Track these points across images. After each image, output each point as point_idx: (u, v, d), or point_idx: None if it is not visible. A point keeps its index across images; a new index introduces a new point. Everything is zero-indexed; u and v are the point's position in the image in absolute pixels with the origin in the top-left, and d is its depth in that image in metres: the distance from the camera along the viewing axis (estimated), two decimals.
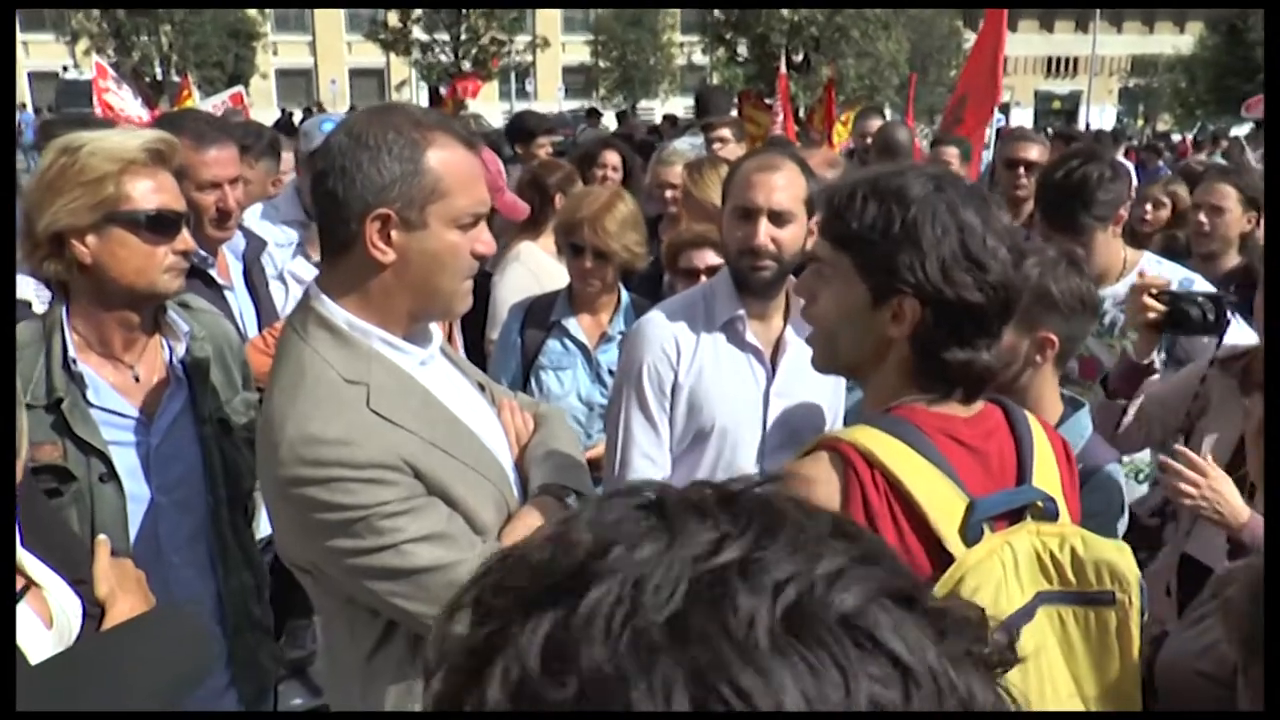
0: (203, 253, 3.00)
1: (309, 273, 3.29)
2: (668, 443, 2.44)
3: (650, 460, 2.42)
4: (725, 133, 5.80)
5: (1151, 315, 2.42)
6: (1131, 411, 2.64)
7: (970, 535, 1.44)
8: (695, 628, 0.48)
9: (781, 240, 2.37)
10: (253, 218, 3.70)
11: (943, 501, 1.45)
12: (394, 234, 1.61)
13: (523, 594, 0.52)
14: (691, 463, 2.44)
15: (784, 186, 2.37)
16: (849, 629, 0.49)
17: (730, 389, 2.41)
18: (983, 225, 1.49)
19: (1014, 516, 1.52)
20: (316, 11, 51.84)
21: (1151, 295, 2.45)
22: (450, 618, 0.56)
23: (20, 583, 1.43)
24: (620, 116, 15.91)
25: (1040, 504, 1.52)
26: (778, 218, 2.37)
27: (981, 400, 1.62)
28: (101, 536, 1.73)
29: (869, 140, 6.15)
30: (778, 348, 2.45)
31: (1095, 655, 1.47)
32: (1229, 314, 2.41)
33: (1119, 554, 1.47)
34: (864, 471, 1.47)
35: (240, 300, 3.18)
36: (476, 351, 3.98)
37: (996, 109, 6.76)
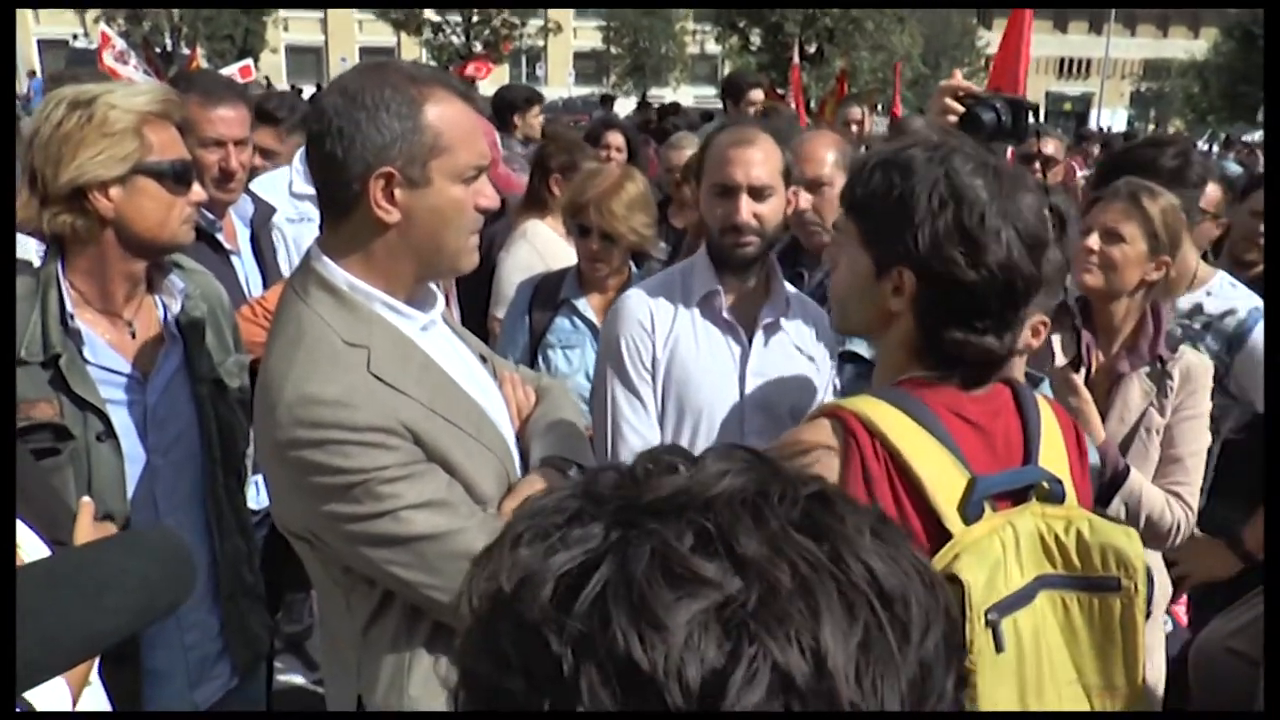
0: (210, 216, 2.98)
1: None
2: (655, 415, 2.42)
3: (640, 435, 2.40)
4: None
5: (950, 118, 2.32)
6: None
7: (970, 513, 1.41)
8: (823, 524, 0.60)
9: (763, 215, 2.36)
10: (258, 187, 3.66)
11: (943, 477, 1.43)
12: (398, 193, 1.57)
13: (632, 508, 0.61)
14: (671, 440, 2.41)
15: (761, 161, 2.36)
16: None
17: (707, 364, 2.39)
18: (988, 201, 1.44)
19: (1020, 498, 1.50)
20: None
21: (956, 97, 2.36)
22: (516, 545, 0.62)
23: None
24: (642, 105, 15.64)
25: (1046, 485, 1.50)
26: (758, 193, 2.36)
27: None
28: (85, 499, 1.71)
29: (853, 128, 6.15)
30: (755, 325, 2.43)
31: (1098, 643, 1.44)
32: (1029, 120, 2.34)
33: (1127, 539, 1.45)
34: (865, 440, 1.45)
35: (246, 266, 3.15)
36: (480, 331, 3.96)
37: None
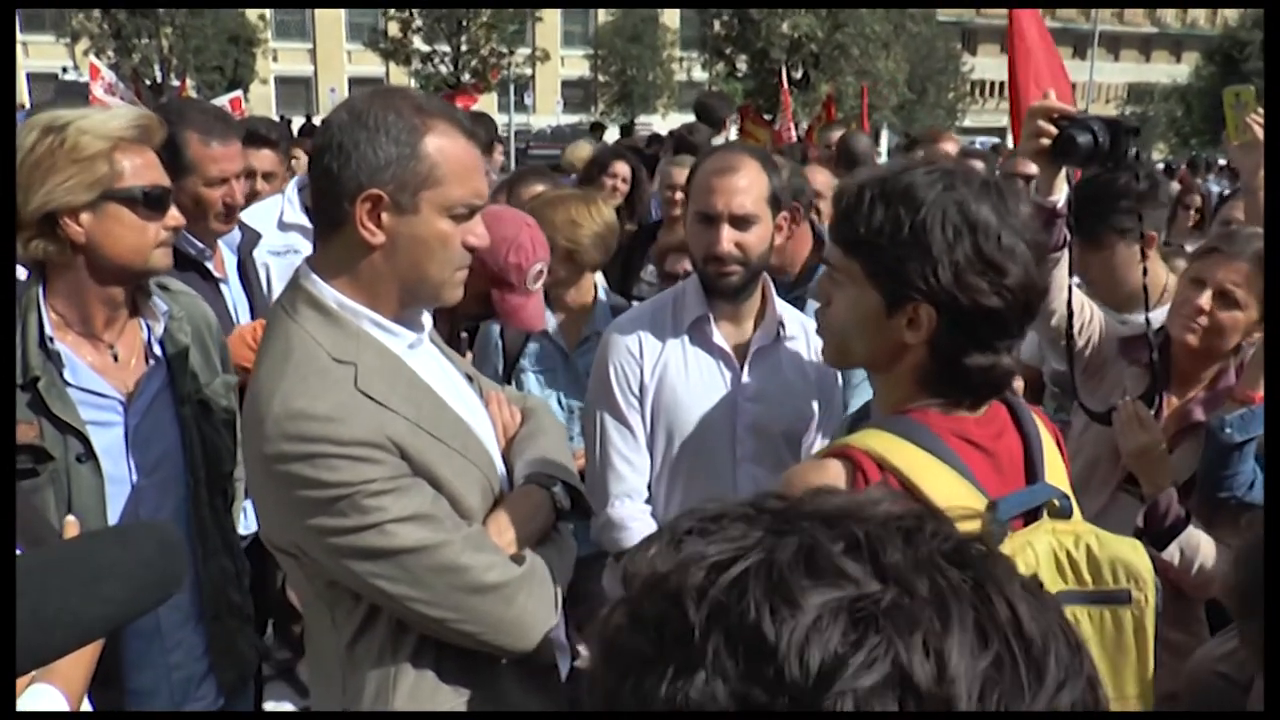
0: (200, 245, 2.97)
1: None
2: (644, 442, 2.41)
3: (628, 462, 2.39)
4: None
5: (1044, 141, 2.13)
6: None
7: (995, 537, 1.39)
8: (973, 561, 0.61)
9: (746, 244, 2.32)
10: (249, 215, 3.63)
11: (962, 503, 1.41)
12: (384, 216, 1.58)
13: (790, 515, 0.64)
14: (663, 466, 2.41)
15: (744, 189, 2.32)
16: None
17: (696, 390, 2.37)
18: (999, 222, 1.41)
19: (1031, 516, 1.48)
20: (317, 19, 51.97)
21: (1051, 119, 2.15)
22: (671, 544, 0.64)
23: None
24: (625, 130, 15.69)
25: (1056, 502, 1.48)
26: (740, 222, 2.32)
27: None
28: (70, 518, 1.69)
29: (833, 150, 6.19)
30: (747, 350, 2.41)
31: (1111, 656, 1.42)
32: (1129, 142, 2.13)
33: (1134, 552, 1.43)
34: (874, 476, 1.41)
35: (234, 294, 3.14)
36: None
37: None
